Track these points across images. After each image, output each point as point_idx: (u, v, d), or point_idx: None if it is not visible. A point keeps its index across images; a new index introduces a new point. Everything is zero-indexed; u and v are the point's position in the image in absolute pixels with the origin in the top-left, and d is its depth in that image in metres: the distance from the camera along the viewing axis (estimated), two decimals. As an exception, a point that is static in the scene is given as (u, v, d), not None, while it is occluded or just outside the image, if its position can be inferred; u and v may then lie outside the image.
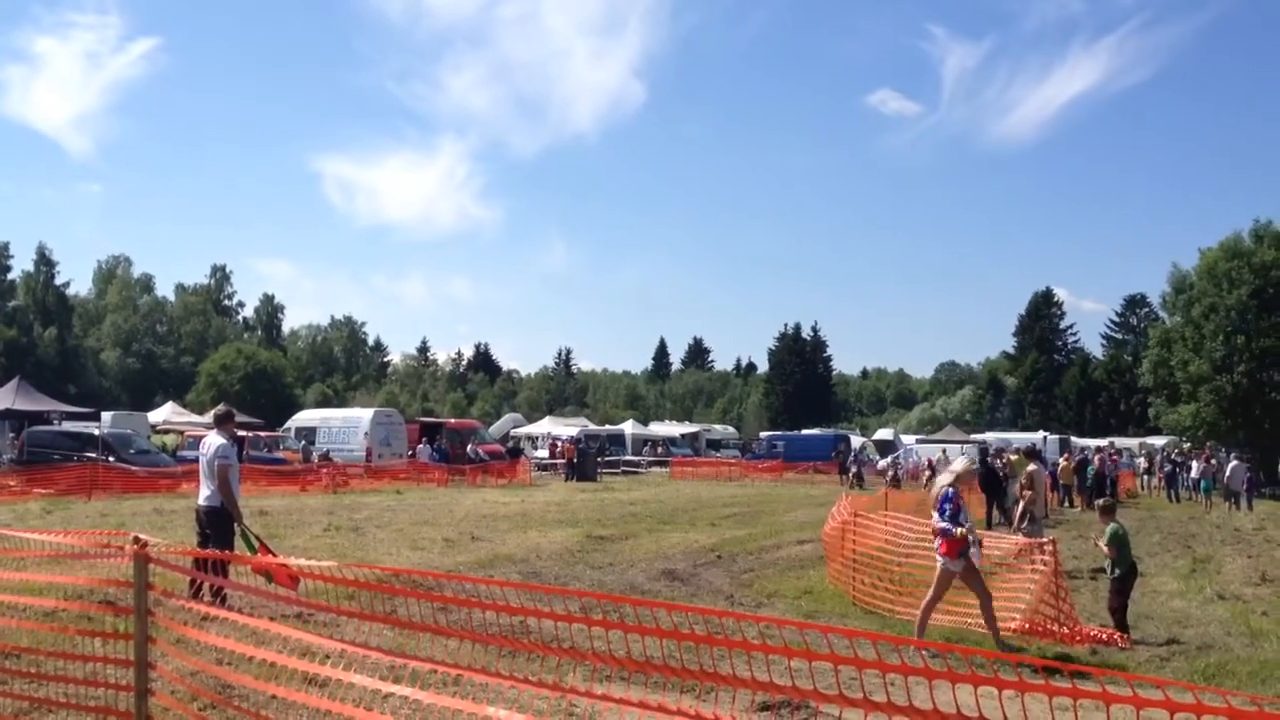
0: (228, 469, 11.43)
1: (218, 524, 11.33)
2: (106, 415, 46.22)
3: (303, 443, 45.75)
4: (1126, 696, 3.18)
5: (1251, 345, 48.89)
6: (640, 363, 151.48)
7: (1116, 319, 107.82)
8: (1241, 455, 41.49)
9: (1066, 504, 33.68)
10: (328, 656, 5.60)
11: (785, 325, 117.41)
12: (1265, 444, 50.32)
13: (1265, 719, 2.99)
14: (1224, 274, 50.49)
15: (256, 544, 11.31)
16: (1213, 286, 50.84)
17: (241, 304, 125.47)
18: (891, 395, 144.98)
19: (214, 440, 11.74)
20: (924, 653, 3.65)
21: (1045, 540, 12.78)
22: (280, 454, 43.72)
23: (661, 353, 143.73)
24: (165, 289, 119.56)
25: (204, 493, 11.61)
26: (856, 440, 64.87)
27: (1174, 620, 13.04)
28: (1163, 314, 59.76)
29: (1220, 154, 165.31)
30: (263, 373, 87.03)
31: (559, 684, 4.83)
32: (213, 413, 13.38)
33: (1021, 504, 16.99)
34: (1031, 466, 18.02)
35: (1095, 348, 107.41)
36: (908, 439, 67.33)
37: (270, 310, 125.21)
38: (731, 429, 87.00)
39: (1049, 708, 3.25)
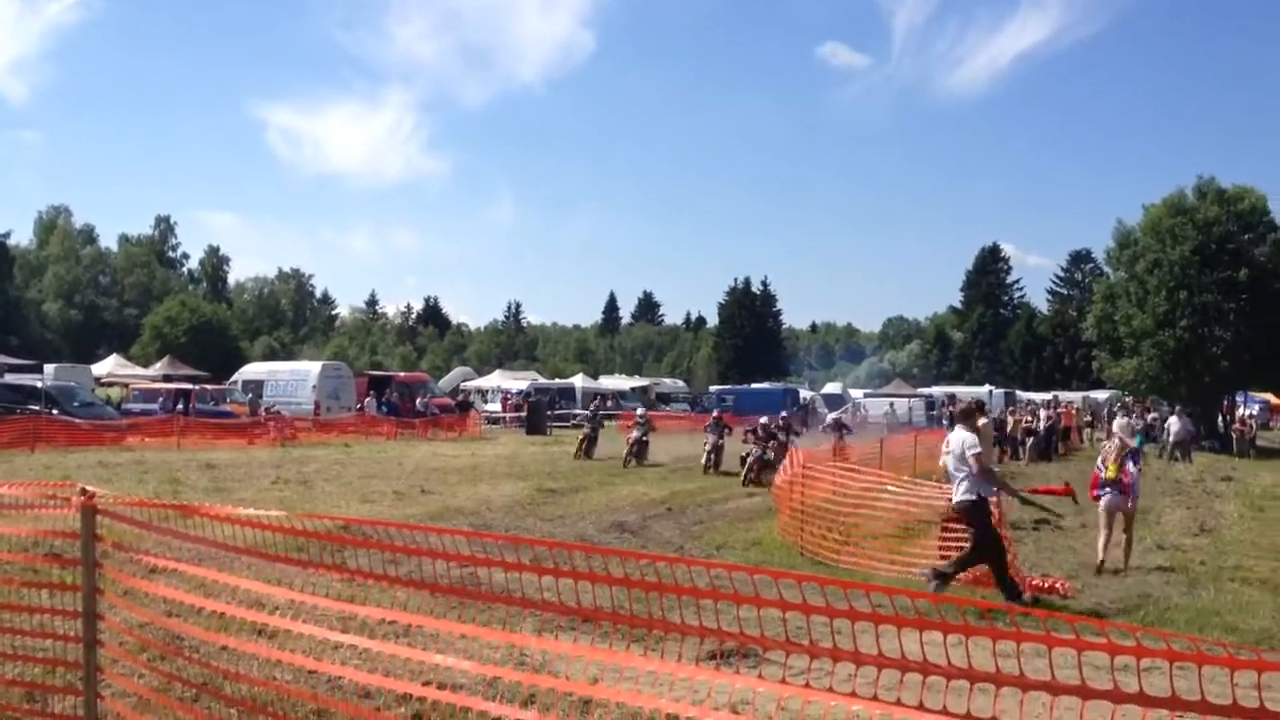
0: (978, 456, 11.42)
1: (973, 518, 11.39)
2: (49, 368, 45.61)
3: (250, 396, 45.36)
4: (1069, 640, 3.24)
5: (1194, 300, 49.45)
6: (590, 316, 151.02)
7: (1062, 274, 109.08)
8: (1184, 410, 42.12)
9: (1011, 457, 34.22)
10: (277, 608, 5.59)
11: (735, 279, 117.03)
12: (1205, 398, 51.10)
13: (1203, 660, 3.06)
14: (1167, 230, 50.89)
15: (1029, 493, 11.77)
16: (1156, 242, 51.26)
17: (186, 256, 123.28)
18: (840, 349, 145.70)
19: (961, 435, 11.75)
20: (870, 597, 3.69)
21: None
22: (227, 407, 43.33)
23: (611, 306, 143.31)
24: (108, 240, 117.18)
25: (956, 492, 11.65)
26: (805, 393, 65.28)
27: (1114, 570, 13.27)
28: (1107, 269, 60.08)
29: (1166, 110, 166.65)
30: (208, 325, 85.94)
31: (510, 633, 4.85)
32: (961, 408, 13.57)
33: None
34: (981, 420, 18.15)
35: (1041, 302, 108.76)
36: (856, 393, 67.78)
37: (216, 262, 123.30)
38: (681, 383, 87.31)
39: (992, 652, 3.30)
